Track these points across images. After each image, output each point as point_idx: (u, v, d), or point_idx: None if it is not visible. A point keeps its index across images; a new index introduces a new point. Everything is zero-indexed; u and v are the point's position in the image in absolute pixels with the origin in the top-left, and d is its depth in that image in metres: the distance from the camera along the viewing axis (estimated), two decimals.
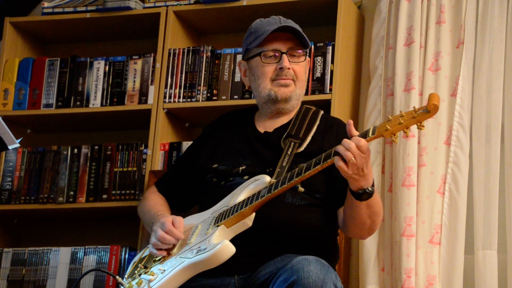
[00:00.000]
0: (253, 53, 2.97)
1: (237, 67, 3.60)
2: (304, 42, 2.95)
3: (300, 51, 2.95)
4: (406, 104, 3.50)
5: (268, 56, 2.94)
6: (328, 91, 3.58)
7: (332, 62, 3.60)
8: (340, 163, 2.53)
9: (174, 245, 2.78)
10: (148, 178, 3.67)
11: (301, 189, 2.77)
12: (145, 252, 2.90)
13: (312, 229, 2.79)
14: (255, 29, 2.96)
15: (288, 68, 2.92)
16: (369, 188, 2.63)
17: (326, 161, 2.58)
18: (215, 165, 2.96)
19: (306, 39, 2.95)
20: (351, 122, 2.60)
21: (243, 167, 2.90)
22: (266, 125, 3.01)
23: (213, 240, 2.65)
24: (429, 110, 2.41)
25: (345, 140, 2.54)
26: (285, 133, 2.93)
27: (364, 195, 2.64)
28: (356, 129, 2.62)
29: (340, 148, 2.54)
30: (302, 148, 2.88)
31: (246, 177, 2.84)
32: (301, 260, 2.50)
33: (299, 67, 2.96)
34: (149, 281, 2.68)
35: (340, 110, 3.56)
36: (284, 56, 2.92)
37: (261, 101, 2.99)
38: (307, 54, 3.00)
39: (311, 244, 2.77)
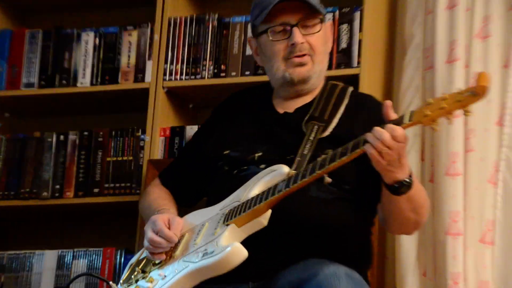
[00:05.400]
0: (260, 30, 2.84)
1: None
2: (318, 8, 2.79)
3: (313, 20, 2.80)
4: (449, 78, 3.35)
5: (277, 32, 2.80)
6: (355, 65, 3.47)
7: (361, 30, 3.49)
8: (372, 151, 2.43)
9: (176, 246, 2.65)
10: (146, 168, 3.55)
11: (328, 179, 2.64)
12: (144, 253, 2.79)
13: (341, 228, 2.64)
14: (259, 0, 2.85)
15: (302, 43, 2.77)
16: (407, 180, 2.51)
17: (355, 150, 2.46)
18: (227, 151, 2.82)
19: (319, 3, 2.79)
20: (389, 103, 2.48)
21: (259, 154, 2.75)
22: (285, 105, 2.87)
23: (222, 241, 2.52)
24: (477, 92, 2.29)
25: (376, 129, 2.42)
26: (308, 115, 2.78)
27: (402, 188, 2.53)
28: None
29: (370, 137, 2.43)
30: (327, 132, 2.74)
31: (263, 166, 2.69)
32: (329, 276, 2.39)
33: (314, 38, 2.79)
34: None
35: (370, 87, 3.42)
36: (295, 29, 2.77)
37: (277, 83, 2.87)
38: (324, 21, 2.82)
39: (339, 246, 2.63)
